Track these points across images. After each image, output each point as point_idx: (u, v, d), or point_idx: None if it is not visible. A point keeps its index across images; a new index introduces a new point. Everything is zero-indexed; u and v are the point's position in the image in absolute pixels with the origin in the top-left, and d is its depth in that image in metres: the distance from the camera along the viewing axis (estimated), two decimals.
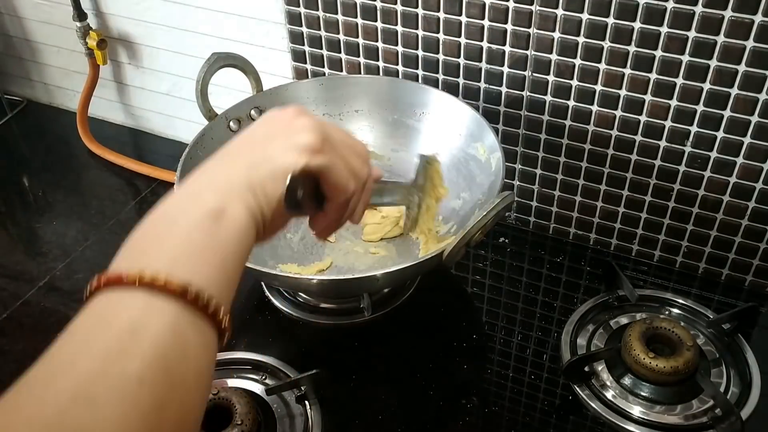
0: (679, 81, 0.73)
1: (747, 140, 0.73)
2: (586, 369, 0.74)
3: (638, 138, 0.79)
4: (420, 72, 0.87)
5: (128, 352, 0.34)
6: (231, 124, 0.83)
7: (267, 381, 0.74)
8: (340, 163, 0.48)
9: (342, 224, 0.55)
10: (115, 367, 0.33)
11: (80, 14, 1.04)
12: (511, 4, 0.75)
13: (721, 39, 0.68)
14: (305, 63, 0.94)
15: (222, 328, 0.38)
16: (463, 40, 0.81)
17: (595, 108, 0.79)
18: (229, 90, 0.99)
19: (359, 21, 0.86)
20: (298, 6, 0.88)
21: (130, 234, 0.41)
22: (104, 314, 0.36)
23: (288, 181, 0.45)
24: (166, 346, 0.35)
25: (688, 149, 0.77)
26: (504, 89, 0.83)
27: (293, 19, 0.90)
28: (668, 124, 0.76)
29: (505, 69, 0.81)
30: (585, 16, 0.73)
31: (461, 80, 0.85)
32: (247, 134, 0.48)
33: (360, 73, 0.91)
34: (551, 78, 0.79)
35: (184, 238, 0.40)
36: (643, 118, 0.77)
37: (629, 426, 0.69)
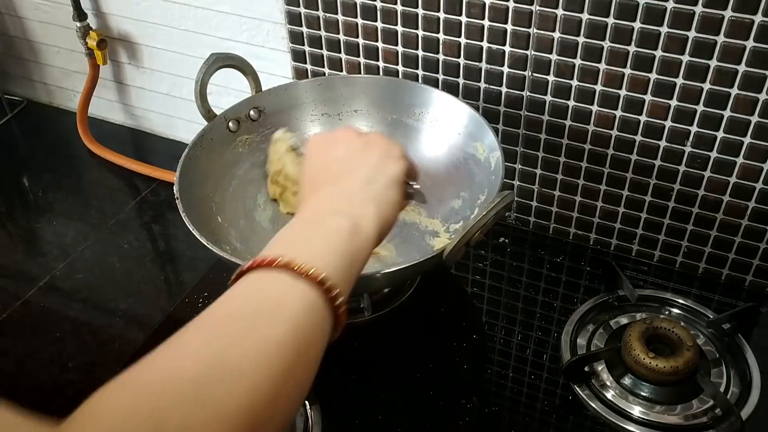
0: (679, 81, 0.73)
1: (747, 140, 0.73)
2: (586, 369, 0.74)
3: (638, 138, 0.79)
4: (420, 72, 0.87)
5: (271, 321, 0.40)
6: (230, 124, 0.83)
7: None
8: (408, 159, 0.60)
9: None
10: (258, 331, 0.39)
11: (80, 14, 1.04)
12: (511, 4, 0.75)
13: (721, 39, 0.68)
14: (305, 63, 0.94)
15: (340, 320, 0.45)
16: (463, 40, 0.81)
17: (595, 108, 0.79)
18: (229, 90, 0.99)
19: (359, 21, 0.86)
20: (298, 6, 0.88)
21: (277, 234, 0.49)
22: (257, 287, 0.43)
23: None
24: (300, 323, 0.41)
25: (688, 149, 0.77)
26: (504, 89, 0.83)
27: (293, 19, 0.90)
28: (668, 124, 0.76)
29: (505, 69, 0.81)
30: (585, 16, 0.73)
31: (461, 80, 0.85)
32: (330, 160, 0.57)
33: (360, 73, 0.91)
34: (551, 78, 0.79)
35: (323, 242, 0.47)
36: (643, 118, 0.77)
37: (629, 426, 0.69)
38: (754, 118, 0.72)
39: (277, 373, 0.38)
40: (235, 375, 0.36)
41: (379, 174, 0.55)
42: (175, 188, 0.72)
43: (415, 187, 0.61)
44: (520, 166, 0.89)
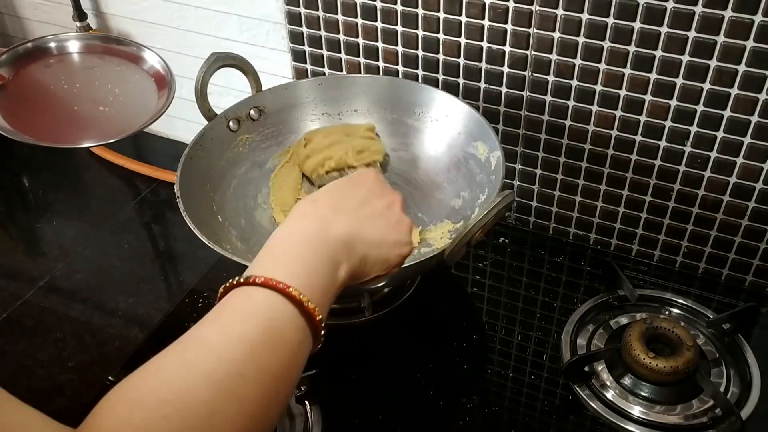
0: (679, 81, 0.73)
1: (747, 140, 0.73)
2: (586, 369, 0.74)
3: (638, 138, 0.79)
4: (420, 72, 0.87)
5: (273, 354, 0.43)
6: (230, 123, 0.83)
7: None
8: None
9: None
10: (262, 360, 0.41)
11: (80, 14, 1.04)
12: (511, 4, 0.75)
13: (721, 39, 0.68)
14: (305, 63, 0.94)
15: (320, 339, 0.48)
16: (463, 40, 0.81)
17: (595, 108, 0.79)
18: (229, 90, 0.99)
19: (359, 21, 0.86)
20: (298, 6, 0.88)
21: (267, 242, 0.51)
22: (266, 314, 0.44)
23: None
24: (294, 353, 0.44)
25: (688, 149, 0.77)
26: (504, 89, 0.83)
27: (293, 19, 0.90)
28: (668, 124, 0.76)
29: (505, 69, 0.81)
30: (585, 16, 0.73)
31: (461, 80, 0.85)
32: (347, 187, 0.58)
33: (360, 73, 0.91)
34: (551, 78, 0.79)
35: (309, 257, 0.49)
36: (643, 118, 0.77)
37: (629, 426, 0.69)
38: (754, 118, 0.72)
39: (272, 399, 0.42)
40: (238, 403, 0.39)
41: (383, 253, 0.56)
42: (176, 188, 0.72)
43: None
44: (520, 166, 0.89)
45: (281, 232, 0.52)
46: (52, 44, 0.93)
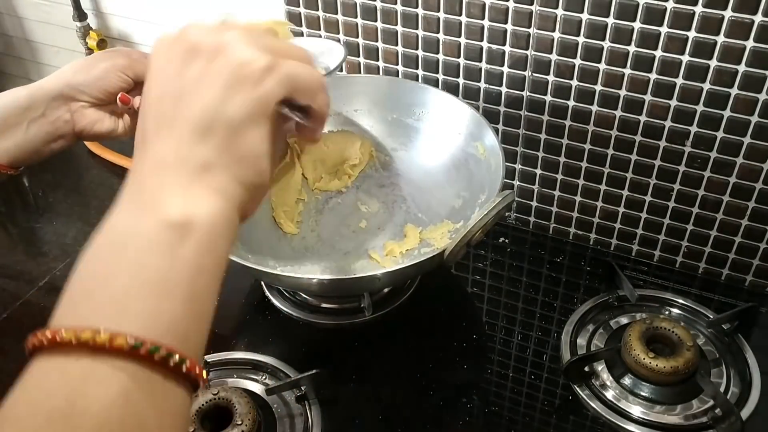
0: (679, 81, 0.73)
1: (747, 140, 0.73)
2: (586, 369, 0.74)
3: (638, 138, 0.79)
4: (420, 72, 0.87)
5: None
6: None
7: (267, 381, 0.74)
8: (297, 68, 0.38)
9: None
10: None
11: (80, 14, 1.04)
12: (511, 4, 0.75)
13: (721, 39, 0.68)
14: None
15: (193, 381, 0.32)
16: (463, 40, 0.81)
17: (595, 108, 0.79)
18: None
19: (359, 21, 0.86)
20: (298, 6, 0.88)
21: (75, 267, 0.33)
22: (39, 388, 0.29)
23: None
24: (114, 424, 0.28)
25: (688, 149, 0.77)
26: (504, 89, 0.83)
27: (293, 19, 0.90)
28: (668, 124, 0.76)
29: (505, 69, 0.81)
30: (585, 16, 0.73)
31: (461, 80, 0.85)
32: (166, 81, 0.37)
33: (360, 73, 0.91)
34: (551, 78, 0.79)
35: (134, 272, 0.32)
36: (643, 118, 0.77)
37: (629, 426, 0.69)
38: (754, 118, 0.72)
39: None
40: None
41: (227, 108, 0.36)
42: None
43: (297, 118, 0.41)
44: (520, 166, 0.89)
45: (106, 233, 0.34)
46: None
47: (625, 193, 0.84)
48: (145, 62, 0.59)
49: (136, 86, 0.62)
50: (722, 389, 0.72)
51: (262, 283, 0.84)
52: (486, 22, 0.78)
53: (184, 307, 0.32)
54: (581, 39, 0.74)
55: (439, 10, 0.80)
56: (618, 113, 0.78)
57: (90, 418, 0.28)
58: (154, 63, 0.39)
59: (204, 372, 0.32)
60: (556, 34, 0.75)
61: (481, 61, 0.82)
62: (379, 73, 0.89)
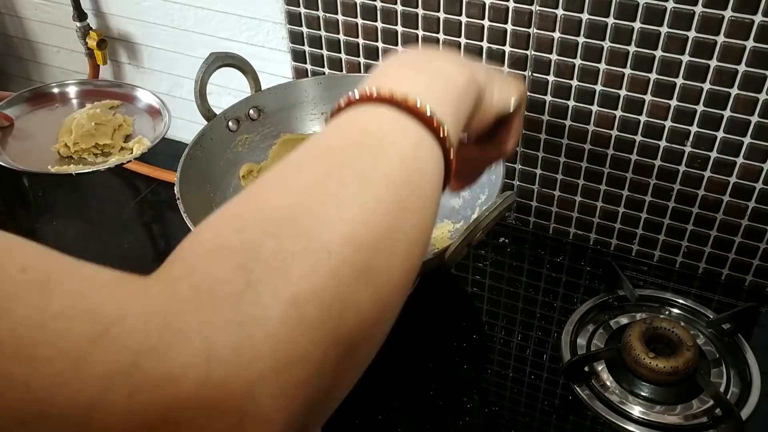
0: (679, 81, 0.73)
1: (747, 140, 0.73)
2: (586, 369, 0.74)
3: (638, 138, 0.79)
4: None
5: (375, 152, 0.35)
6: (230, 123, 0.83)
7: None
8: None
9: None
10: (361, 162, 0.34)
11: (80, 14, 1.04)
12: (511, 4, 0.75)
13: (721, 39, 0.68)
14: (305, 63, 0.94)
15: (450, 161, 0.39)
16: (463, 40, 0.81)
17: (595, 108, 0.79)
18: (228, 90, 0.99)
19: (359, 21, 0.86)
20: (298, 6, 0.88)
21: (376, 68, 0.42)
22: (358, 122, 0.37)
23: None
24: (409, 159, 0.36)
25: (688, 149, 0.77)
26: None
27: (293, 19, 0.90)
28: (668, 124, 0.76)
29: (505, 69, 0.81)
30: (585, 16, 0.73)
31: None
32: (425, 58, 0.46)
33: (360, 73, 0.91)
34: (551, 78, 0.79)
35: (430, 78, 0.41)
36: (643, 118, 0.77)
37: (629, 426, 0.69)
38: (754, 118, 0.72)
39: (387, 209, 0.33)
40: (336, 205, 0.32)
41: (494, 80, 0.48)
42: (176, 188, 0.72)
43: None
44: (520, 166, 0.89)
45: (392, 58, 0.43)
46: (55, 90, 1.01)
47: (625, 193, 0.84)
48: None
49: None
50: (722, 389, 0.72)
51: None
52: (486, 22, 0.78)
53: (455, 114, 0.41)
54: (581, 39, 0.74)
55: (439, 10, 0.80)
56: (618, 113, 0.78)
57: (396, 147, 0.36)
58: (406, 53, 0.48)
59: (456, 158, 0.40)
60: (556, 34, 0.75)
61: (481, 61, 0.82)
62: None
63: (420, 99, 0.37)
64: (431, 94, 0.39)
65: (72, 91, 1.02)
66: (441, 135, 0.38)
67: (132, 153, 0.90)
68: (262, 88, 0.85)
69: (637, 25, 0.71)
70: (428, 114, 0.37)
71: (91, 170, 0.87)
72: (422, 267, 0.68)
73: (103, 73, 1.13)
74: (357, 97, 0.38)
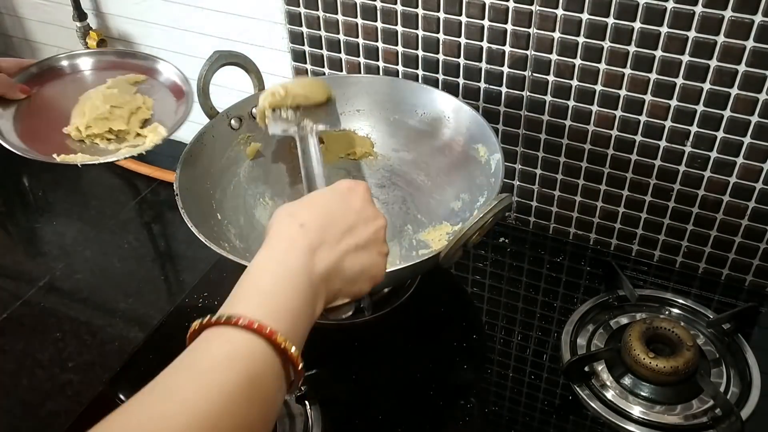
0: (679, 81, 0.73)
1: (747, 140, 0.73)
2: (586, 369, 0.74)
3: (638, 138, 0.79)
4: (420, 72, 0.87)
5: (225, 373, 0.40)
6: (232, 122, 0.83)
7: None
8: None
9: None
10: (212, 379, 0.39)
11: (80, 14, 1.04)
12: (511, 4, 0.75)
13: (721, 39, 0.68)
14: (305, 63, 0.94)
15: (295, 378, 0.45)
16: (463, 40, 0.81)
17: (595, 108, 0.79)
18: (230, 90, 0.99)
19: (359, 21, 0.86)
20: (298, 6, 0.88)
21: (241, 280, 0.47)
22: (218, 344, 0.42)
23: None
24: (256, 376, 0.41)
25: (688, 149, 0.77)
26: (504, 89, 0.83)
27: (293, 19, 0.90)
28: (668, 124, 0.76)
29: (505, 69, 0.81)
30: (585, 16, 0.73)
31: (461, 80, 0.85)
32: (335, 209, 0.53)
33: (360, 73, 0.91)
34: (551, 78, 0.79)
35: (284, 297, 0.46)
36: (643, 118, 0.77)
37: (629, 426, 0.69)
38: (754, 118, 0.72)
39: (234, 415, 0.39)
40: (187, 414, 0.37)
41: (359, 279, 0.53)
42: (176, 185, 0.72)
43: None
44: (520, 166, 0.89)
45: (267, 261, 0.48)
46: (65, 62, 0.93)
47: (625, 193, 0.84)
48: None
49: None
50: (722, 389, 0.72)
51: None
52: (486, 22, 0.78)
53: (306, 334, 0.47)
54: (581, 39, 0.74)
55: (439, 10, 0.80)
56: (618, 113, 0.78)
57: (243, 364, 0.41)
58: (326, 200, 0.55)
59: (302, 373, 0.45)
60: (556, 34, 0.75)
61: (481, 61, 0.82)
62: (379, 73, 0.89)
63: (294, 346, 0.43)
64: (297, 333, 0.45)
65: (93, 61, 0.93)
66: (298, 375, 0.44)
67: (144, 144, 0.81)
68: (265, 88, 0.85)
69: (637, 25, 0.71)
70: (295, 360, 0.43)
71: (97, 162, 0.80)
72: (417, 269, 0.68)
73: None
74: (249, 325, 0.42)
